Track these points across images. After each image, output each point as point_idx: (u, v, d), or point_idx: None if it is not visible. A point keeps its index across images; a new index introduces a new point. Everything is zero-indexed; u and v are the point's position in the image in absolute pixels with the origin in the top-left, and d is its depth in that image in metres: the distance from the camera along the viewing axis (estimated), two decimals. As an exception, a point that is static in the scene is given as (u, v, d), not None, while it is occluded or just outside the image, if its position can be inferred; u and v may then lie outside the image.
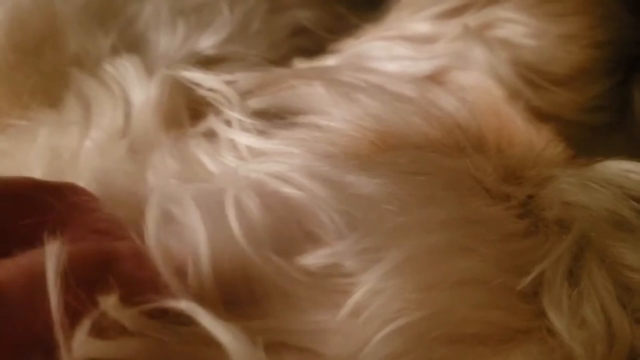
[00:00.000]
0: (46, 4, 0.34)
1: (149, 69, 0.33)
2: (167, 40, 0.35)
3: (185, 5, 0.37)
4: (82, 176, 0.27)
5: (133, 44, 0.35)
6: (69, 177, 0.27)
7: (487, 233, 0.20)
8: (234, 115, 0.28)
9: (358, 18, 0.41)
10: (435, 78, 0.30)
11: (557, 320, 0.19)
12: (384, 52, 0.32)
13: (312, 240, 0.21)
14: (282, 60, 0.37)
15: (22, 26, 0.33)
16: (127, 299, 0.17)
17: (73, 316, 0.16)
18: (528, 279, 0.19)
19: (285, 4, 0.40)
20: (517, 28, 0.30)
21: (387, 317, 0.18)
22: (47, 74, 0.32)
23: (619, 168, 0.23)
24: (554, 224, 0.21)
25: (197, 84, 0.31)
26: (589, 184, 0.22)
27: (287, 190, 0.21)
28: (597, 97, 0.29)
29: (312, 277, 0.20)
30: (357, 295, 0.19)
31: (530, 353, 0.18)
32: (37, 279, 0.17)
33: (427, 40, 0.32)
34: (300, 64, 0.35)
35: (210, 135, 0.29)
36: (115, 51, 0.34)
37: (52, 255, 0.17)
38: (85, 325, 0.16)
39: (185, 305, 0.17)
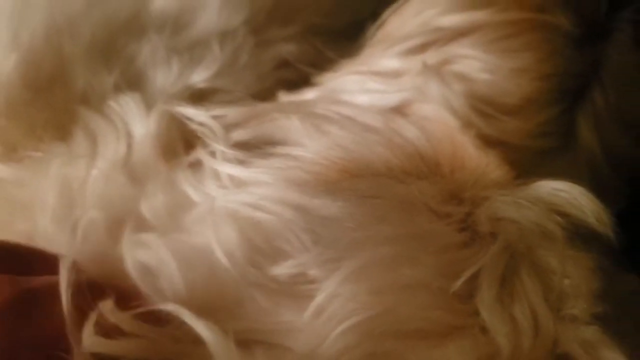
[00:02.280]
0: (56, 46, 0.39)
1: (148, 104, 0.37)
2: (163, 77, 0.39)
3: (179, 44, 0.41)
4: (88, 203, 0.31)
5: (133, 80, 0.39)
6: (77, 204, 0.31)
7: (428, 245, 0.24)
8: (217, 147, 0.32)
9: (337, 51, 0.45)
10: (400, 110, 0.34)
11: (488, 318, 0.23)
12: (356, 86, 0.36)
13: (281, 254, 0.24)
14: (267, 91, 0.41)
15: (35, 67, 0.37)
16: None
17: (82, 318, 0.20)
18: (459, 282, 0.23)
19: (270, 39, 0.44)
20: (473, 63, 0.34)
21: (343, 317, 0.22)
22: (57, 109, 0.36)
23: (549, 187, 0.27)
24: (487, 236, 0.25)
25: (189, 119, 0.35)
26: (520, 201, 0.26)
27: (259, 215, 0.25)
28: (544, 124, 0.32)
29: (281, 285, 0.23)
30: (319, 299, 0.23)
31: (464, 346, 0.22)
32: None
33: (394, 75, 0.35)
34: (283, 96, 0.38)
35: (197, 165, 0.33)
36: (118, 87, 0.38)
37: (65, 272, 0.21)
38: (91, 324, 0.20)
39: (172, 307, 0.20)
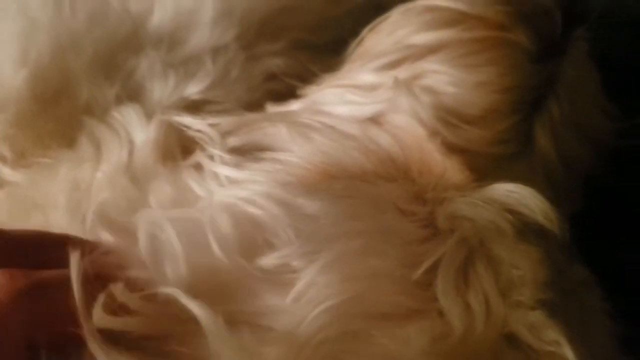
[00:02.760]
0: (61, 61, 0.42)
1: (148, 114, 0.41)
2: (160, 89, 0.43)
3: (174, 59, 0.44)
4: (94, 203, 0.34)
5: (133, 92, 0.43)
6: (84, 204, 0.34)
7: (394, 239, 0.28)
8: (215, 152, 0.35)
9: (320, 65, 0.49)
10: (375, 120, 0.37)
11: (445, 303, 0.26)
12: (336, 98, 0.39)
13: (269, 246, 0.28)
14: (256, 103, 0.45)
15: (42, 81, 0.41)
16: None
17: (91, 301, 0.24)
18: (420, 272, 0.26)
19: (259, 54, 0.48)
20: (441, 77, 0.37)
21: (319, 301, 0.26)
22: (64, 120, 0.40)
23: (503, 189, 0.31)
24: (446, 232, 0.29)
25: (187, 126, 0.38)
26: (476, 201, 0.30)
27: (251, 209, 0.29)
28: (503, 132, 0.35)
29: (267, 274, 0.27)
30: (299, 286, 0.26)
31: (422, 327, 0.26)
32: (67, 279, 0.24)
33: (370, 88, 0.39)
34: (271, 107, 0.42)
35: (198, 167, 0.36)
36: (119, 99, 0.42)
37: (75, 261, 0.25)
38: (99, 304, 0.23)
39: (171, 290, 0.24)
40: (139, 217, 0.28)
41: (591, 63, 0.41)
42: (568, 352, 0.26)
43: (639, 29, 0.50)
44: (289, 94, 0.45)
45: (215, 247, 0.27)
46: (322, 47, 0.52)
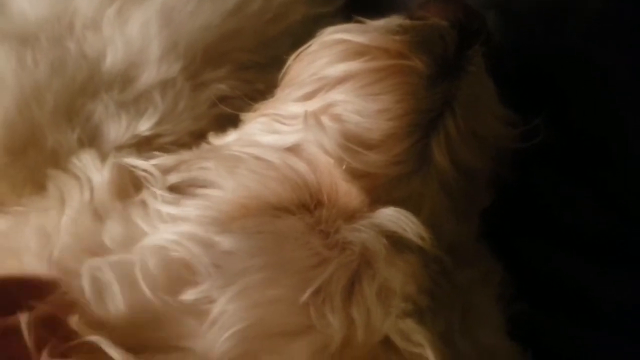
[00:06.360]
0: (26, 113, 0.48)
1: (105, 154, 0.47)
2: (115, 130, 0.48)
3: (127, 97, 0.50)
4: (57, 248, 0.41)
5: (92, 134, 0.48)
6: (53, 246, 0.41)
7: (290, 268, 0.34)
8: (157, 191, 0.42)
9: (266, 82, 0.54)
10: (294, 148, 0.43)
11: (331, 318, 0.33)
12: (264, 127, 0.45)
13: (191, 282, 0.34)
14: (204, 130, 0.50)
15: (10, 134, 0.47)
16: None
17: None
18: (308, 294, 0.33)
19: (205, 81, 0.53)
20: (347, 106, 0.42)
21: (229, 326, 0.32)
22: (33, 168, 0.46)
23: (384, 214, 0.37)
24: (335, 257, 0.35)
25: (135, 167, 0.44)
26: (361, 228, 0.36)
27: (176, 251, 0.35)
28: (401, 154, 0.41)
29: (189, 305, 0.34)
30: (213, 314, 0.33)
31: (309, 340, 0.32)
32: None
33: (292, 117, 0.44)
34: (213, 137, 0.48)
35: (145, 204, 0.42)
36: (81, 142, 0.48)
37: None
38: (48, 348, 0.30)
39: (95, 338, 0.31)
40: (84, 264, 0.34)
41: (488, 76, 0.45)
42: (429, 353, 0.32)
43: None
44: (236, 115, 0.50)
45: (144, 287, 0.33)
46: (266, 64, 0.57)
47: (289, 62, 0.48)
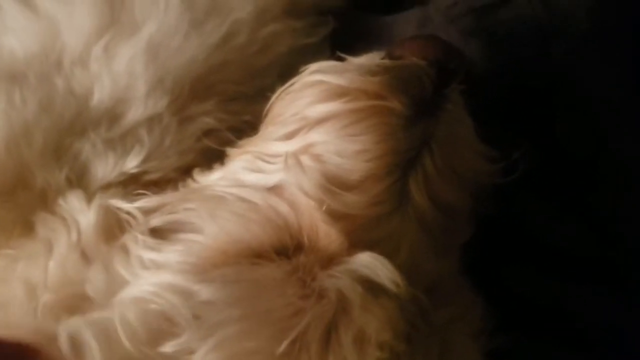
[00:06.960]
0: (15, 153, 0.49)
1: (92, 193, 0.48)
2: (102, 168, 0.49)
3: (114, 135, 0.51)
4: (49, 288, 0.42)
5: (80, 173, 0.49)
6: (40, 293, 0.42)
7: (267, 320, 0.35)
8: (139, 236, 0.43)
9: (252, 113, 0.55)
10: (276, 188, 0.43)
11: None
12: (248, 165, 0.45)
13: (171, 334, 0.35)
14: (189, 165, 0.51)
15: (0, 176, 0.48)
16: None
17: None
18: (285, 345, 0.34)
19: (192, 115, 0.53)
20: (327, 147, 0.43)
21: (207, 377, 0.33)
22: (23, 208, 0.47)
23: (360, 260, 0.37)
24: (312, 305, 0.36)
25: (119, 209, 0.45)
26: (337, 274, 0.37)
27: (155, 303, 0.36)
28: (379, 194, 0.41)
29: (168, 358, 0.34)
30: (192, 364, 0.34)
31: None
32: None
33: (275, 157, 0.45)
34: (197, 174, 0.48)
35: (126, 249, 0.43)
36: (69, 181, 0.49)
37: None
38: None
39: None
40: (63, 324, 0.35)
41: (466, 114, 0.46)
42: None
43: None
44: (223, 147, 0.51)
45: (125, 340, 0.34)
46: (253, 95, 0.57)
47: (272, 99, 0.49)
